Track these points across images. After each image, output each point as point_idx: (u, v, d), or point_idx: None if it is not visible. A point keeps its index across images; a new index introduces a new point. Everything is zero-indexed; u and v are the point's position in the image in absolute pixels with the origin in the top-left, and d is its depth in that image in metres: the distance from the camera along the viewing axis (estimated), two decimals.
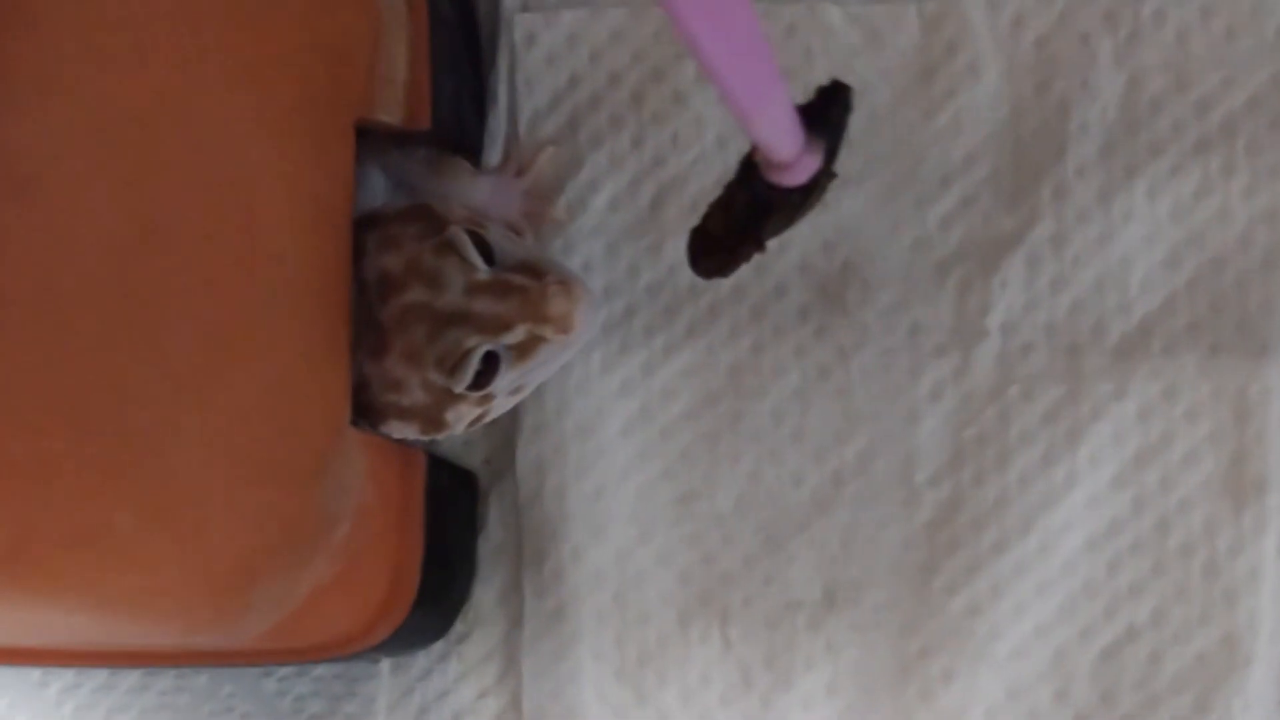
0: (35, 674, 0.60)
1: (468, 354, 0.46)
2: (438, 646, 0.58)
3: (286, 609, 0.48)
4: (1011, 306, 0.53)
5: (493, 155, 0.56)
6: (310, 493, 0.46)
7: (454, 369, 0.46)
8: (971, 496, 0.53)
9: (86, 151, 0.38)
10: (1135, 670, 0.53)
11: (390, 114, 0.50)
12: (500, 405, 0.49)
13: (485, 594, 0.57)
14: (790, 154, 0.39)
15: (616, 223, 0.55)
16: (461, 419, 0.49)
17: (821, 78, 0.53)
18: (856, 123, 0.53)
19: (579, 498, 0.55)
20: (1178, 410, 0.52)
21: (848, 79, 0.53)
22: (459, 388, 0.47)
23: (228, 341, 0.42)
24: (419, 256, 0.47)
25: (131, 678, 0.59)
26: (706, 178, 0.54)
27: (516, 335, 0.46)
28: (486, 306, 0.46)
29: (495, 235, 0.48)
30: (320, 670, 0.59)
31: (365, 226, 0.49)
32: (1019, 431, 0.53)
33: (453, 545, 0.55)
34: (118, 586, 0.42)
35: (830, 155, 0.41)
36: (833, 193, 0.52)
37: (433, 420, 0.48)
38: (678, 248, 0.54)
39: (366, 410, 0.48)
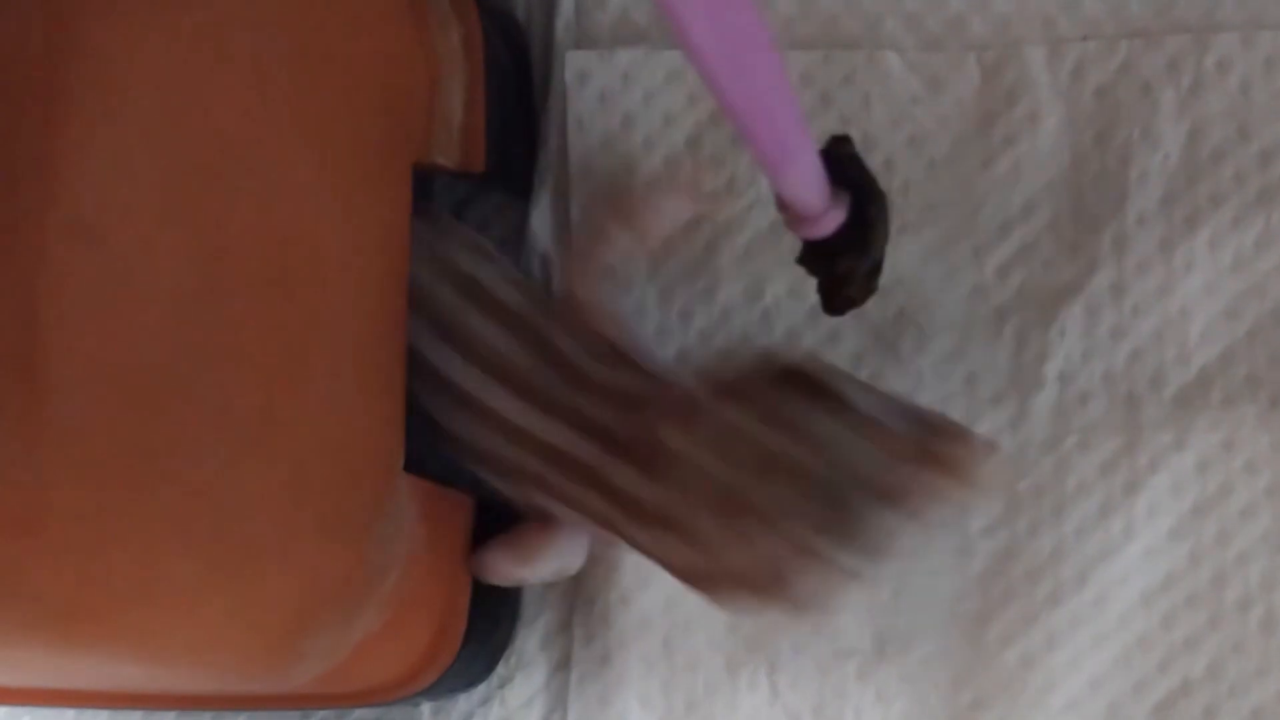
0: (69, 714, 0.59)
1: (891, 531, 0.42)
2: (480, 690, 0.57)
3: (337, 658, 0.48)
4: (1070, 356, 0.53)
5: (541, 195, 0.55)
6: (364, 542, 0.46)
7: (873, 548, 0.42)
8: (1027, 547, 0.53)
9: (153, 200, 0.38)
10: None
11: (447, 157, 0.50)
12: None
13: (528, 638, 0.57)
14: (817, 208, 0.41)
15: (670, 266, 0.55)
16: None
17: (881, 125, 0.53)
18: (915, 170, 0.53)
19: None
20: (1237, 462, 0.52)
21: (906, 126, 0.53)
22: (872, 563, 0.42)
23: (289, 392, 0.42)
24: (834, 438, 0.41)
25: (168, 719, 0.59)
26: (761, 222, 0.54)
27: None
28: (910, 478, 0.41)
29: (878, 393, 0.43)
30: (361, 713, 0.58)
31: (724, 395, 0.43)
32: (1076, 482, 0.53)
33: (497, 589, 0.55)
34: (172, 639, 0.42)
35: (862, 191, 0.43)
36: (889, 239, 0.52)
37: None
38: (731, 292, 0.54)
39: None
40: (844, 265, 0.43)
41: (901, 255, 0.53)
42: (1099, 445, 0.53)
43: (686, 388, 0.44)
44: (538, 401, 0.47)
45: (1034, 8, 0.53)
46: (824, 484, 0.41)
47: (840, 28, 0.54)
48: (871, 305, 0.53)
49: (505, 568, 0.51)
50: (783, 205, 0.41)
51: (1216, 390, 0.52)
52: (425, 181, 0.49)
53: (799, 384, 0.43)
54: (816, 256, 0.44)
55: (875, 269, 0.45)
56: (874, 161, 0.53)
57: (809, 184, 0.40)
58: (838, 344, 0.54)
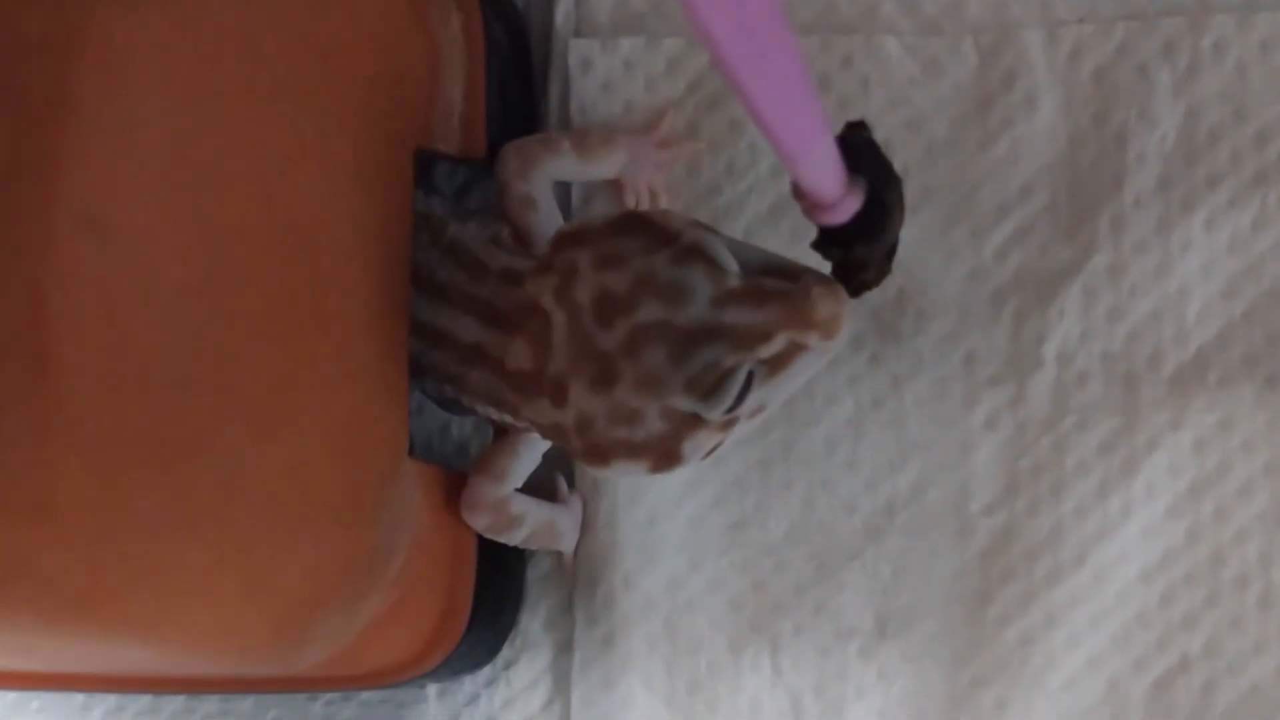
0: (79, 698, 0.60)
1: (729, 374, 0.41)
2: (485, 671, 0.58)
3: (344, 641, 0.48)
4: (1068, 336, 0.53)
5: None
6: (370, 527, 0.46)
7: (711, 391, 0.42)
8: (1026, 526, 0.53)
9: (158, 191, 0.38)
10: (1188, 701, 0.53)
11: (447, 144, 0.50)
12: (739, 431, 0.44)
13: (532, 620, 0.57)
14: (833, 194, 0.40)
15: None
16: (699, 449, 0.44)
17: (879, 108, 0.53)
18: (913, 153, 0.54)
19: (630, 525, 0.55)
20: (1234, 441, 0.52)
21: (904, 110, 0.54)
22: (716, 412, 0.42)
23: (295, 378, 0.42)
24: (651, 270, 0.42)
25: (176, 702, 0.59)
26: (760, 206, 0.54)
27: (775, 347, 0.41)
28: (741, 318, 0.41)
29: (724, 238, 0.43)
30: (367, 695, 0.58)
31: (569, 245, 0.44)
32: (1074, 462, 0.53)
33: (502, 571, 0.55)
34: (181, 624, 0.42)
35: (879, 177, 0.43)
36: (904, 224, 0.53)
37: (668, 454, 0.43)
38: None
39: (588, 451, 0.44)
40: (860, 251, 0.43)
41: (900, 237, 0.53)
42: (1097, 425, 0.53)
43: (545, 246, 0.45)
44: (438, 294, 0.48)
45: None
46: (668, 329, 0.41)
47: (838, 12, 0.54)
48: None
49: (485, 489, 0.51)
50: (799, 193, 0.41)
51: (1214, 370, 0.53)
52: (426, 168, 0.49)
53: (639, 229, 0.43)
54: (833, 242, 0.43)
55: (890, 252, 0.44)
56: None
57: (826, 171, 0.40)
58: None
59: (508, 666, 0.58)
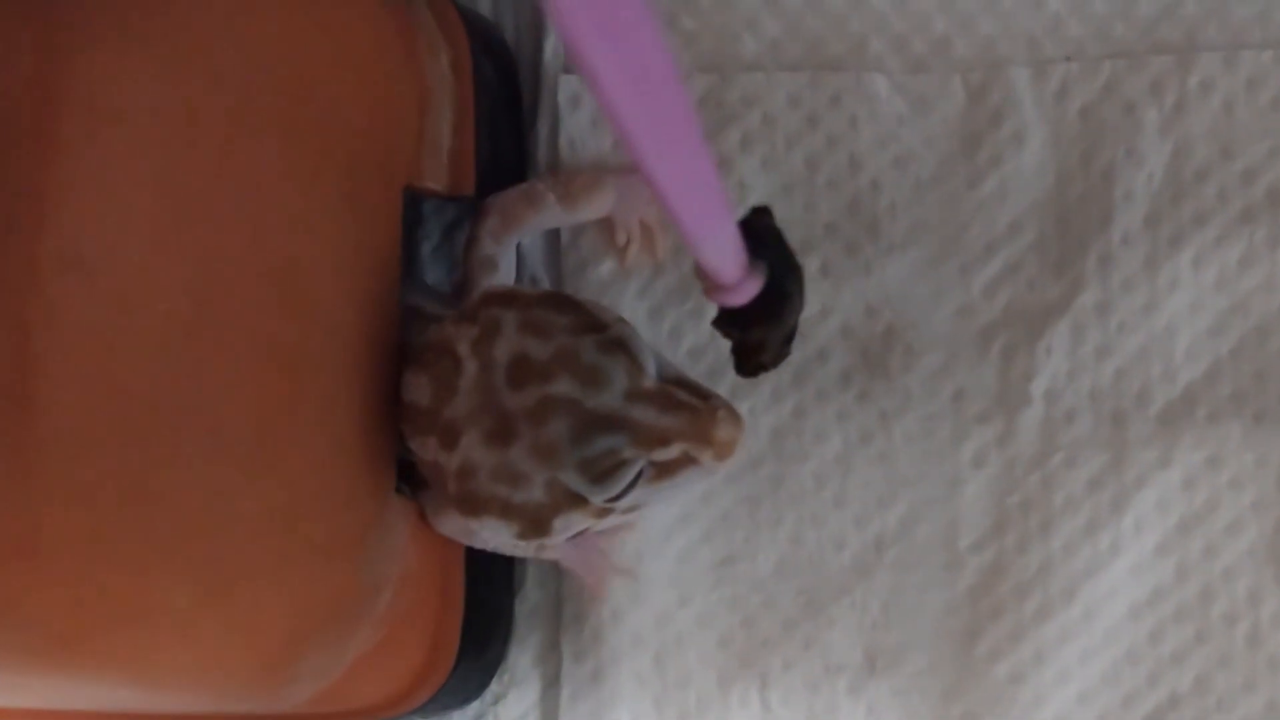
0: None
1: (623, 465, 0.43)
2: (473, 706, 0.58)
3: (331, 678, 0.48)
4: (1056, 373, 0.53)
5: None
6: (356, 563, 0.46)
7: (602, 477, 0.43)
8: (1015, 563, 0.53)
9: (144, 231, 0.39)
10: None
11: (436, 181, 0.50)
12: (608, 522, 0.46)
13: (521, 655, 0.57)
14: (733, 277, 0.42)
15: (660, 286, 0.55)
16: (569, 528, 0.45)
17: (867, 146, 0.54)
18: (901, 190, 0.54)
19: (619, 560, 0.55)
20: (1222, 478, 0.52)
21: (892, 147, 0.54)
22: (600, 497, 0.43)
23: (281, 416, 0.42)
24: (575, 349, 0.43)
25: None
26: None
27: (670, 453, 0.43)
28: (648, 417, 0.43)
29: (648, 345, 0.45)
30: None
31: (496, 303, 0.45)
32: (1063, 498, 0.53)
33: (490, 606, 0.55)
34: (167, 662, 0.42)
35: (780, 263, 0.44)
36: (877, 259, 0.53)
37: (538, 524, 0.44)
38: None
39: (461, 498, 0.45)
40: (758, 333, 0.44)
41: (889, 274, 0.54)
42: (1086, 462, 0.53)
43: (472, 298, 0.47)
44: None
45: (1018, 29, 0.54)
46: (577, 408, 0.43)
47: (826, 50, 0.54)
48: (859, 323, 0.54)
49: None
50: (700, 273, 0.42)
51: (1202, 407, 0.53)
52: (416, 204, 0.49)
53: (570, 308, 0.45)
54: (731, 323, 0.45)
55: (789, 337, 0.45)
56: (861, 182, 0.54)
57: (726, 254, 0.41)
58: (826, 362, 0.54)
59: (496, 701, 0.58)
